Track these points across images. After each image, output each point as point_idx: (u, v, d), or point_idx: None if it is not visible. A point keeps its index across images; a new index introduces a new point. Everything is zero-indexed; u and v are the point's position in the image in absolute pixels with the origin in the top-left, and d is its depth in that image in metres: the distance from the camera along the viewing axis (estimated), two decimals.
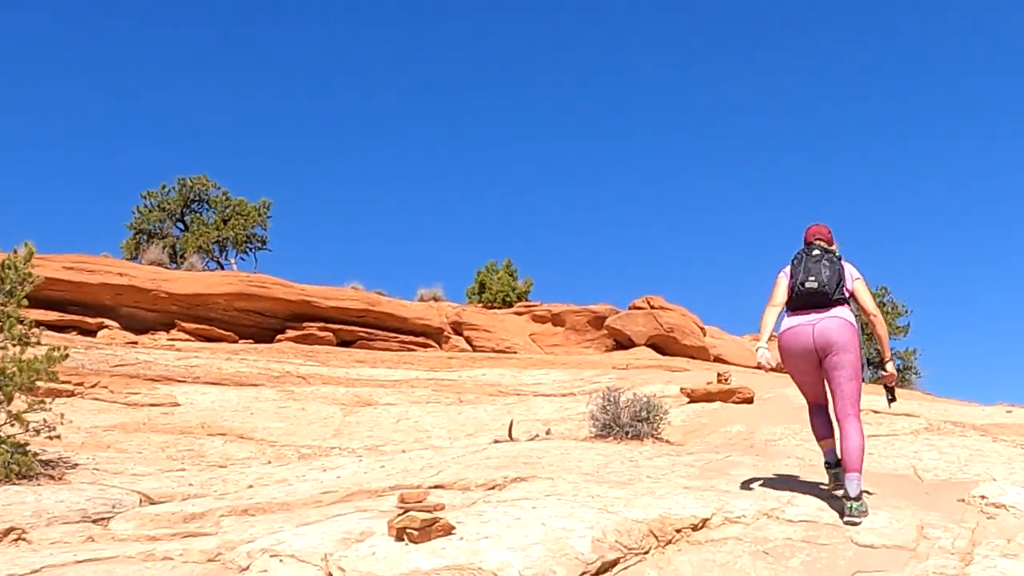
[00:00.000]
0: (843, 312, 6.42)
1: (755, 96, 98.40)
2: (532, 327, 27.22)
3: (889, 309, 34.54)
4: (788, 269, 6.63)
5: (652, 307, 24.84)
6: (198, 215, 32.81)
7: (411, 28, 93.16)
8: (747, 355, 25.42)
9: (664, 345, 24.32)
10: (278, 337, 24.50)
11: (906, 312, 35.31)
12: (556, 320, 26.90)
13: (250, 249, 32.91)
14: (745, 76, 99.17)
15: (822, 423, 6.95)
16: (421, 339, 26.52)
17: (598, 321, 26.10)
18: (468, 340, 26.53)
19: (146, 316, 24.16)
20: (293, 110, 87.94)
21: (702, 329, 25.12)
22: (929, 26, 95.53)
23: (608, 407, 10.73)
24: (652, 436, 10.56)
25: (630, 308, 25.55)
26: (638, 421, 10.56)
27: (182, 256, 30.13)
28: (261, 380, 18.91)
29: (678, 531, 5.74)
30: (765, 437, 10.88)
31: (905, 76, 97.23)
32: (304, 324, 24.88)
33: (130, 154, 76.38)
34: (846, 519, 5.95)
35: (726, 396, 14.51)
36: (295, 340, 24.22)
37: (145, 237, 31.50)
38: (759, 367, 6.84)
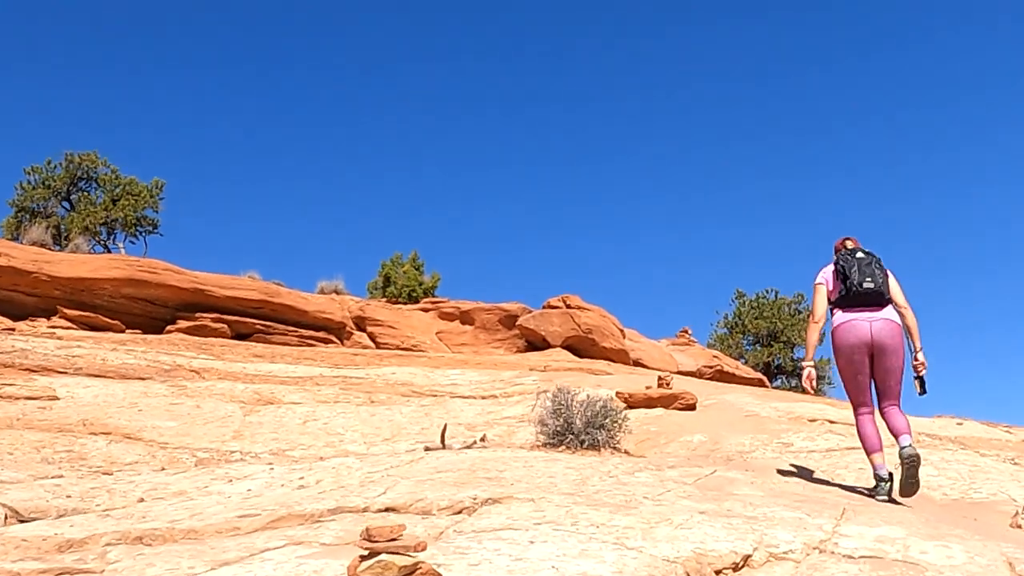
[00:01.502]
0: (893, 314, 7.14)
1: (662, 89, 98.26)
2: (439, 324, 25.78)
3: (805, 316, 34.09)
4: (829, 277, 7.37)
5: (569, 307, 23.61)
6: (85, 194, 30.40)
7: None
8: (667, 360, 24.42)
9: (582, 347, 23.12)
10: (168, 328, 22.68)
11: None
12: (465, 318, 25.49)
13: (140, 232, 30.66)
14: (662, 67, 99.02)
15: (875, 434, 7.28)
16: (322, 334, 24.90)
17: (510, 320, 24.78)
18: (372, 336, 25.01)
19: (25, 301, 22.12)
20: (191, 85, 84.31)
21: (621, 331, 23.96)
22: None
23: (560, 411, 9.42)
24: (610, 446, 9.29)
25: (545, 307, 24.26)
26: (595, 428, 9.27)
27: (67, 237, 27.80)
28: (150, 373, 17.15)
29: (718, 572, 4.45)
30: (735, 448, 9.73)
31: (821, 73, 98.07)
32: (197, 314, 23.10)
33: (13, 127, 72.49)
34: (907, 456, 6.85)
35: (668, 402, 13.33)
36: (187, 331, 22.44)
37: (27, 216, 28.98)
38: (805, 390, 7.80)
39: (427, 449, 10.15)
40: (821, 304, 7.37)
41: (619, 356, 23.03)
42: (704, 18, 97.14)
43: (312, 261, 77.73)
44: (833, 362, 8.12)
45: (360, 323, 25.40)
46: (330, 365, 20.48)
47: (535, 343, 24.07)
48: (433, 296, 27.57)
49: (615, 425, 9.39)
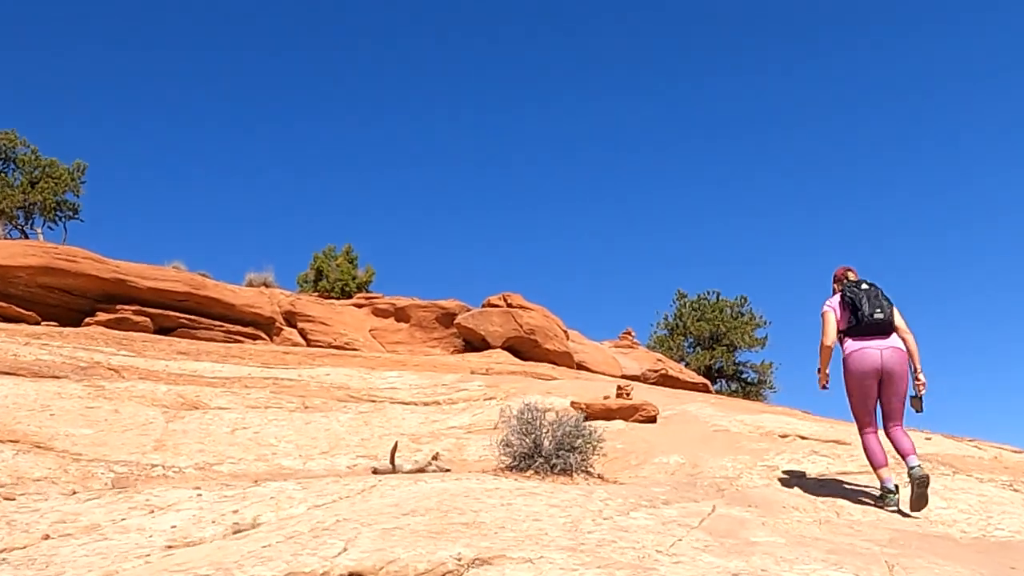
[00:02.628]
0: (899, 341, 7.67)
1: (602, 88, 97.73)
2: (373, 321, 24.65)
3: (747, 319, 33.52)
4: (836, 305, 7.92)
5: (510, 306, 22.62)
6: (2, 175, 28.72)
7: None
8: (610, 363, 23.53)
9: (523, 348, 22.16)
10: (87, 320, 21.29)
11: (764, 324, 34.32)
12: (400, 315, 24.39)
13: (60, 218, 29.05)
14: (600, 65, 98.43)
15: (882, 450, 7.80)
16: (250, 329, 23.68)
17: (447, 318, 23.74)
18: (303, 333, 23.84)
19: None
20: (118, 65, 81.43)
21: (565, 332, 23.02)
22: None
23: (528, 430, 8.45)
24: (582, 470, 8.35)
25: (485, 306, 23.25)
26: (566, 451, 8.32)
27: None
28: (65, 371, 15.86)
29: None
30: (718, 473, 8.84)
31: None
32: (118, 306, 21.73)
33: None
34: (917, 477, 7.31)
35: (628, 413, 12.45)
36: (107, 324, 21.07)
37: None
38: (823, 386, 8.14)
39: (375, 472, 9.16)
40: (831, 329, 7.89)
41: (563, 359, 22.12)
42: (635, 17, 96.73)
43: (241, 252, 75.50)
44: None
45: (290, 319, 24.23)
46: (260, 364, 19.30)
47: (474, 343, 23.08)
48: (367, 291, 26.43)
49: (588, 447, 8.46)
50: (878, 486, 7.77)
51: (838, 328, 7.86)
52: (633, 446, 10.44)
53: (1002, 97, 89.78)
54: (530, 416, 8.50)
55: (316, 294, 26.28)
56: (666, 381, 24.57)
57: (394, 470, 9.06)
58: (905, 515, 7.33)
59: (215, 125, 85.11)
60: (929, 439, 14.08)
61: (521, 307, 22.54)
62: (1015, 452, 15.10)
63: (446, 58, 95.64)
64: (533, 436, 8.36)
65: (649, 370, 24.44)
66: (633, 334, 27.02)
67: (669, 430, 11.70)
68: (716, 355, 33.25)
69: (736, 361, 34.19)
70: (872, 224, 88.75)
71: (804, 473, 8.94)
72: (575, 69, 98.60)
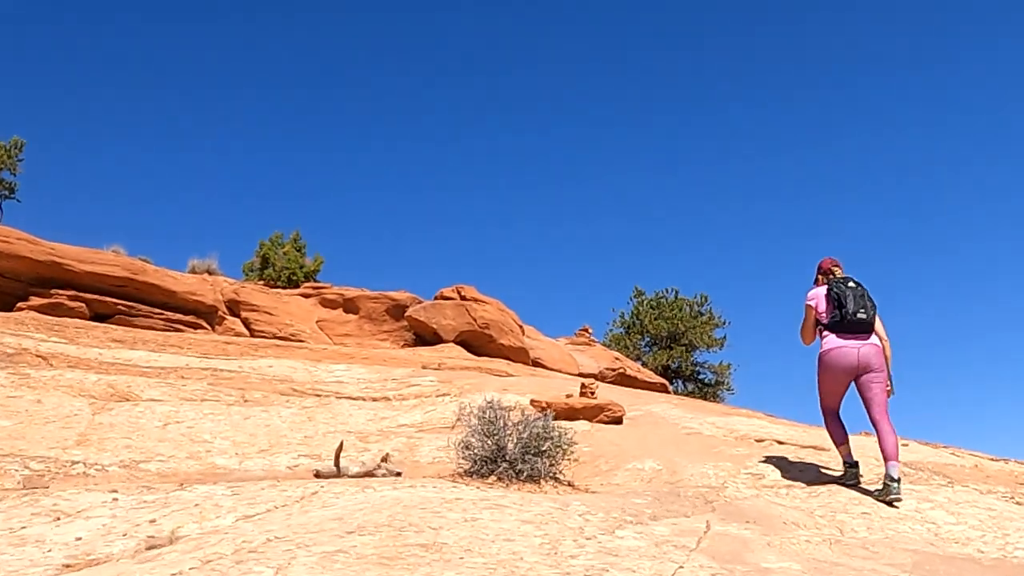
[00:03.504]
0: (877, 340, 7.76)
1: (557, 76, 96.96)
2: (320, 312, 23.59)
3: (706, 319, 32.79)
4: (821, 297, 7.97)
5: (464, 299, 21.66)
6: None
7: None
8: (567, 360, 22.65)
9: (477, 343, 21.21)
10: (19, 305, 20.10)
11: (724, 324, 33.59)
12: (349, 306, 23.34)
13: None
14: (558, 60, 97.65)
15: (842, 430, 8.05)
16: (191, 318, 22.57)
17: (398, 310, 22.73)
18: (246, 322, 22.76)
19: None
20: (59, 37, 78.91)
21: (520, 328, 22.09)
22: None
23: (491, 432, 7.55)
24: (551, 477, 7.47)
25: (437, 298, 22.26)
26: (533, 455, 7.44)
27: None
28: None
29: None
30: (699, 481, 8.01)
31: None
32: (52, 291, 20.54)
33: None
34: (891, 497, 7.27)
35: (592, 413, 11.60)
36: (40, 309, 19.88)
37: None
38: None
39: (318, 475, 8.23)
40: (809, 330, 8.05)
41: (518, 355, 21.21)
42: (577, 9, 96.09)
43: (184, 237, 73.42)
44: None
45: (234, 307, 23.15)
46: (199, 354, 18.24)
47: (425, 337, 22.12)
48: (315, 281, 25.33)
49: (557, 451, 7.58)
50: (842, 467, 8.07)
51: (819, 321, 7.96)
52: (602, 449, 9.59)
53: (962, 94, 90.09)
54: (493, 415, 7.62)
55: (261, 282, 25.17)
56: (624, 380, 23.75)
57: (339, 473, 8.15)
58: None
59: (162, 105, 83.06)
60: (906, 445, 13.38)
61: (475, 300, 21.61)
62: (992, 460, 14.41)
63: (401, 36, 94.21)
64: (496, 438, 7.48)
65: (607, 368, 23.61)
66: (590, 331, 26.14)
67: (638, 432, 10.87)
68: (674, 355, 32.42)
69: (694, 361, 33.40)
70: (837, 226, 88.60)
71: (792, 482, 8.13)
72: (534, 59, 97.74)
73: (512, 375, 17.81)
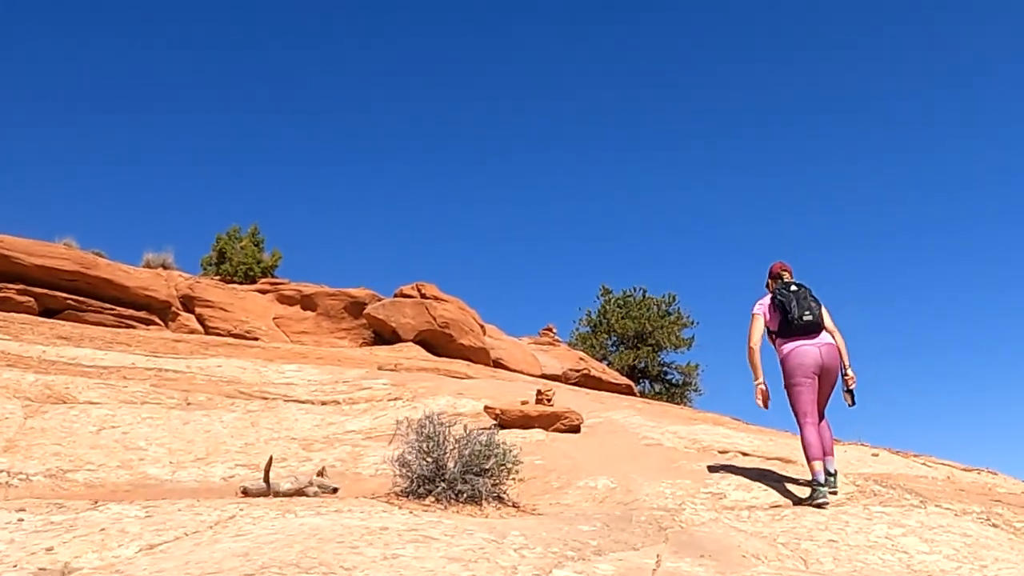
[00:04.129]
0: (830, 338, 7.91)
1: (517, 69, 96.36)
2: (278, 309, 22.92)
3: (675, 318, 32.26)
4: (766, 307, 8.07)
5: (424, 297, 21.06)
6: None
7: None
8: (529, 361, 22.06)
9: (437, 343, 20.60)
10: None
11: (692, 324, 33.06)
12: (307, 303, 22.69)
13: None
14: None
15: (819, 444, 7.79)
16: (144, 314, 21.87)
17: (356, 308, 22.09)
18: (201, 319, 22.07)
19: None
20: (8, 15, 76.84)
21: (482, 327, 21.48)
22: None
23: (430, 449, 6.97)
24: (494, 497, 6.90)
25: (397, 296, 21.63)
26: (474, 475, 6.86)
27: None
28: None
29: None
30: (655, 501, 7.45)
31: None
32: (0, 285, 19.88)
33: None
34: (830, 491, 7.64)
35: (548, 422, 11.04)
36: None
37: None
38: (763, 405, 8.02)
39: (245, 493, 7.61)
40: (758, 331, 8.05)
41: (478, 355, 20.62)
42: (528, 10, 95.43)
43: (140, 231, 71.74)
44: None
45: (188, 303, 22.46)
46: (147, 352, 17.56)
47: (384, 335, 21.51)
48: (273, 277, 24.63)
49: (501, 470, 7.00)
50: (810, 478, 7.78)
51: (769, 329, 8.10)
52: (555, 463, 9.02)
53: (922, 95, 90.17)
54: (432, 430, 7.03)
55: (218, 278, 24.46)
56: (588, 381, 23.21)
57: (268, 490, 7.54)
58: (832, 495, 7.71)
59: (117, 96, 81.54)
60: (877, 455, 12.91)
61: (436, 298, 21.00)
62: (965, 470, 13.95)
63: (361, 32, 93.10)
64: (435, 455, 6.89)
65: (571, 370, 23.04)
66: (554, 331, 25.52)
67: (595, 443, 10.32)
68: (640, 355, 31.82)
69: (661, 362, 32.81)
70: (806, 227, 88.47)
71: (757, 503, 7.59)
72: (493, 54, 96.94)
73: (471, 377, 17.24)
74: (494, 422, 11.26)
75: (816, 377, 7.81)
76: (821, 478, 7.60)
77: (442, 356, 20.31)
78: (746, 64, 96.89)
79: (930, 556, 6.26)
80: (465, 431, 7.17)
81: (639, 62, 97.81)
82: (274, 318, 22.82)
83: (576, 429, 11.10)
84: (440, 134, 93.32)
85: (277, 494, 7.44)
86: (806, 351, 7.81)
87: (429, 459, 6.87)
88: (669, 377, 33.03)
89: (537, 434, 10.57)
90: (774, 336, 8.06)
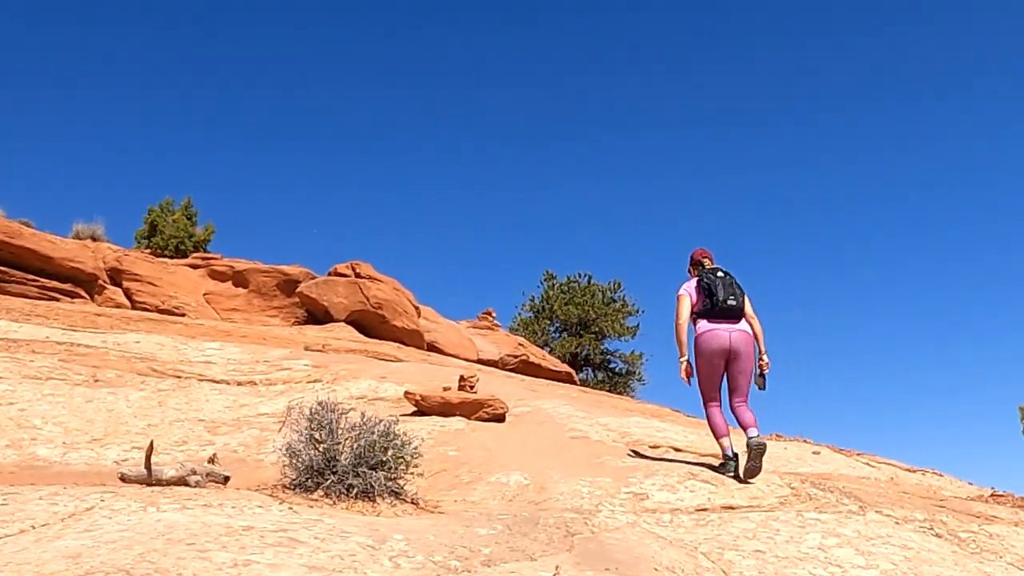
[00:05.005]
0: (747, 326, 8.19)
1: (466, 46, 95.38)
2: (208, 284, 22.10)
3: (620, 306, 31.68)
4: (692, 289, 8.32)
5: (358, 276, 20.33)
6: None
7: None
8: (466, 345, 21.41)
9: (369, 324, 19.89)
10: None
11: (637, 312, 32.48)
12: (239, 279, 21.89)
13: None
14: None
15: (724, 422, 8.21)
16: (69, 286, 21.01)
17: (289, 286, 21.34)
18: (128, 293, 21.21)
19: None
20: None
21: (416, 309, 20.77)
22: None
23: (321, 436, 6.32)
24: (391, 493, 6.25)
25: (331, 274, 20.89)
26: (369, 467, 6.22)
27: None
28: None
29: None
30: (570, 501, 6.82)
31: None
32: None
33: None
34: (754, 445, 7.70)
35: (471, 409, 10.42)
36: None
37: None
38: (685, 380, 8.33)
39: (123, 479, 6.91)
40: (686, 310, 8.26)
41: (412, 338, 19.95)
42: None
43: (75, 203, 69.32)
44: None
45: (116, 276, 21.59)
46: (66, 326, 16.74)
47: (317, 315, 20.79)
48: (205, 251, 23.80)
49: (400, 463, 6.36)
50: (719, 454, 8.25)
51: (693, 310, 8.24)
52: (469, 454, 8.39)
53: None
54: (324, 417, 6.37)
55: (148, 251, 23.61)
56: (527, 368, 22.60)
57: (149, 477, 6.83)
58: (741, 480, 7.77)
59: (54, 59, 79.43)
60: (818, 453, 12.43)
61: (370, 278, 20.28)
62: (909, 471, 13.51)
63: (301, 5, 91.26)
64: (326, 445, 6.23)
65: (509, 355, 22.41)
66: (493, 315, 24.84)
67: (518, 434, 9.71)
68: (583, 342, 31.15)
69: (604, 350, 32.16)
70: (752, 217, 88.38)
71: (681, 505, 7.00)
72: (439, 37, 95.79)
73: (400, 360, 16.58)
74: (414, 408, 10.65)
75: (724, 362, 8.08)
76: (730, 452, 8.03)
77: (375, 338, 19.62)
78: (689, 51, 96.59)
79: (866, 572, 5.70)
80: (362, 419, 6.52)
81: (582, 47, 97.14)
82: (204, 294, 22.03)
83: (500, 418, 10.50)
84: (388, 114, 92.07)
85: (159, 482, 6.75)
86: (717, 335, 8.07)
87: (318, 449, 6.22)
88: (612, 366, 32.43)
89: (457, 423, 9.95)
90: (695, 317, 8.25)
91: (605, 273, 38.86)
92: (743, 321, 8.16)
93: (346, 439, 6.37)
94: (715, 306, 8.07)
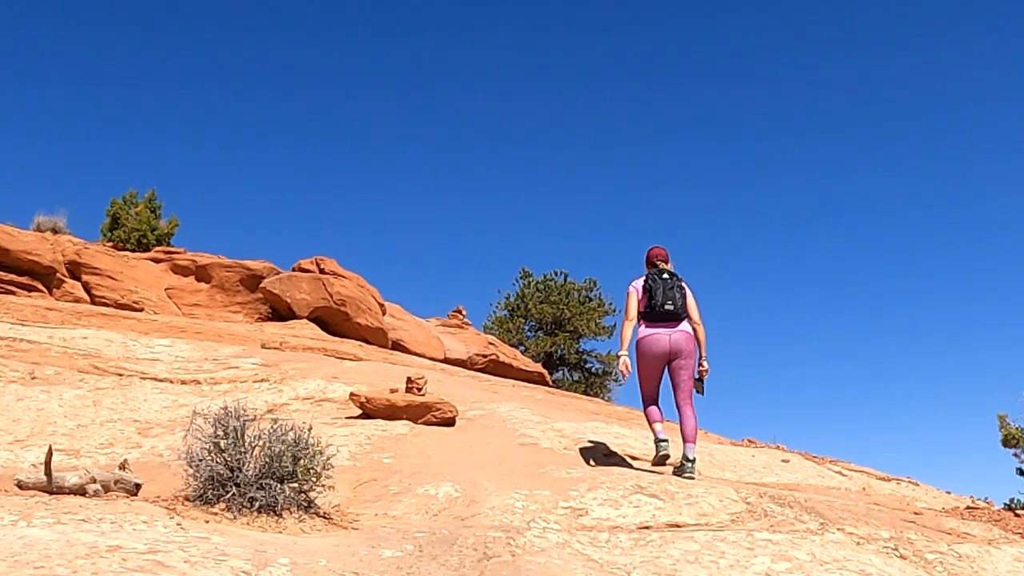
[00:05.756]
0: (688, 327, 8.38)
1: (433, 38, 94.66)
2: (171, 279, 21.45)
3: (595, 305, 31.14)
4: (639, 287, 8.47)
5: (322, 271, 19.74)
6: None
7: None
8: (433, 343, 20.82)
9: (332, 321, 19.29)
10: None
11: (613, 311, 31.89)
12: (201, 274, 21.25)
13: None
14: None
15: (659, 410, 8.47)
16: (26, 279, 20.39)
17: (253, 281, 20.72)
18: (87, 287, 20.58)
19: None
20: None
21: (381, 306, 20.16)
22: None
23: (224, 446, 5.76)
24: (300, 507, 5.70)
25: (295, 270, 20.27)
26: (276, 479, 5.66)
27: None
28: None
29: None
30: (499, 517, 6.26)
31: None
32: None
33: None
34: (685, 475, 7.94)
35: (417, 413, 9.88)
36: None
37: None
38: (623, 374, 8.61)
39: (20, 487, 6.34)
40: (633, 306, 8.41)
41: (375, 336, 19.36)
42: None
43: (34, 194, 67.53)
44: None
45: (75, 270, 20.95)
46: (14, 320, 16.11)
47: (280, 311, 20.21)
48: (168, 245, 23.14)
49: (309, 475, 5.80)
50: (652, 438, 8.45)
51: (637, 310, 8.39)
52: (405, 463, 7.84)
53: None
54: (230, 423, 5.81)
55: (110, 244, 22.96)
56: (497, 368, 22.03)
57: (49, 484, 6.28)
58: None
59: (19, 49, 78.25)
60: (787, 461, 11.89)
61: (334, 274, 19.68)
62: (884, 479, 13.00)
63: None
64: (227, 455, 5.67)
65: (477, 354, 21.84)
66: (464, 313, 24.22)
67: (463, 440, 9.17)
68: (558, 341, 30.58)
69: (580, 349, 31.59)
70: (732, 222, 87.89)
71: (623, 523, 6.46)
72: (407, 31, 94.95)
73: (361, 359, 16.01)
74: (359, 409, 10.12)
75: (663, 364, 8.31)
76: (661, 436, 8.23)
77: (338, 335, 19.04)
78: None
79: None
80: (273, 425, 5.96)
81: (554, 45, 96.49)
82: (166, 289, 21.39)
83: (450, 422, 9.96)
84: (363, 109, 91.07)
85: (60, 490, 6.20)
86: (657, 338, 8.26)
87: (220, 459, 5.66)
88: (588, 365, 31.86)
89: (401, 427, 9.41)
90: (639, 318, 8.42)
91: (582, 271, 38.20)
92: (684, 323, 8.34)
93: (254, 447, 5.81)
94: (653, 309, 8.28)
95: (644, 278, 8.51)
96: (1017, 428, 11.35)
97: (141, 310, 19.37)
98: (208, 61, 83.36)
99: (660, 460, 8.26)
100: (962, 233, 79.60)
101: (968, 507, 11.32)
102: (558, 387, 26.49)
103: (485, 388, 14.69)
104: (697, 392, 8.51)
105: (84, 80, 76.80)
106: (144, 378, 12.08)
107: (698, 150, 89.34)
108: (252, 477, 5.58)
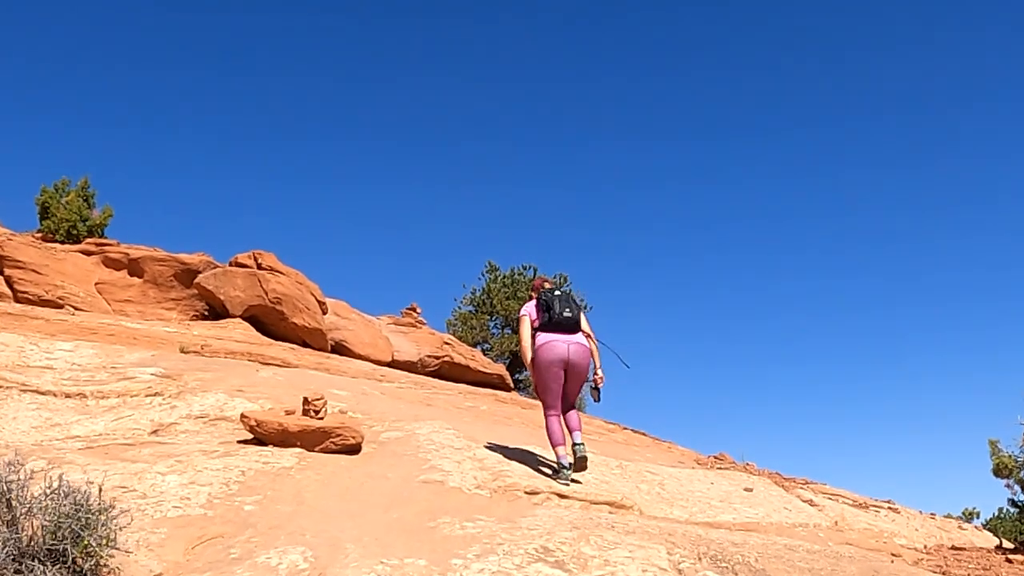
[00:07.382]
0: (583, 339, 8.76)
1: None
2: (102, 273, 19.90)
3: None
4: (531, 311, 8.87)
5: (260, 267, 18.24)
6: None
7: None
8: (379, 343, 19.31)
9: (268, 321, 17.78)
10: None
11: (585, 308, 30.40)
12: (134, 268, 19.72)
13: None
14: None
15: (561, 431, 8.68)
16: None
17: (188, 276, 19.21)
18: (10, 282, 19.04)
19: None
20: None
21: (321, 304, 18.65)
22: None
23: None
24: None
25: (232, 264, 18.78)
26: (41, 560, 4.27)
27: None
28: None
29: None
30: None
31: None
32: None
33: None
34: (579, 455, 8.55)
35: (314, 440, 8.50)
36: None
37: None
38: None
39: None
40: (526, 329, 8.85)
41: (313, 337, 17.89)
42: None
43: None
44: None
45: None
46: None
47: (216, 309, 18.75)
48: (101, 236, 21.63)
49: (101, 545, 4.42)
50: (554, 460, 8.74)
51: (533, 327, 8.78)
52: (268, 510, 6.43)
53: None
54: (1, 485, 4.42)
55: (38, 235, 21.46)
56: (451, 370, 20.60)
57: None
58: (575, 481, 8.55)
59: None
60: (750, 490, 10.51)
61: (271, 269, 18.20)
62: (860, 506, 11.68)
63: None
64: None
65: (429, 355, 20.37)
66: (418, 311, 22.72)
67: (357, 476, 7.76)
68: None
69: None
70: (714, 212, 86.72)
71: None
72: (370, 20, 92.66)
73: (290, 364, 14.57)
74: (250, 434, 8.72)
75: (563, 372, 8.58)
76: (565, 462, 8.58)
77: (274, 336, 17.61)
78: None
79: None
80: (49, 483, 4.57)
81: (519, 32, 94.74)
82: (96, 283, 19.86)
83: (352, 450, 8.56)
84: (317, 91, 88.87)
85: None
86: (555, 346, 8.56)
87: None
88: None
89: (288, 458, 8.00)
90: (535, 332, 8.73)
91: (552, 266, 36.62)
92: (579, 335, 8.70)
93: (23, 515, 4.42)
94: (552, 319, 8.60)
95: (537, 298, 8.87)
96: (1010, 456, 10.13)
97: (62, 307, 17.89)
98: (155, 40, 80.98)
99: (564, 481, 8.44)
100: (957, 242, 78.56)
101: (953, 548, 10.02)
102: (520, 388, 25.08)
103: (420, 400, 13.30)
104: (594, 400, 8.96)
105: (12, 60, 74.56)
106: (24, 390, 10.65)
107: (669, 147, 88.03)
108: (8, 558, 4.19)
